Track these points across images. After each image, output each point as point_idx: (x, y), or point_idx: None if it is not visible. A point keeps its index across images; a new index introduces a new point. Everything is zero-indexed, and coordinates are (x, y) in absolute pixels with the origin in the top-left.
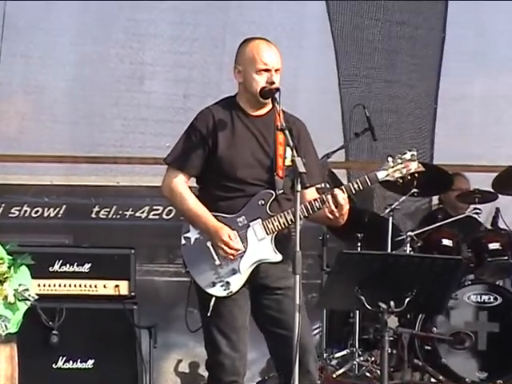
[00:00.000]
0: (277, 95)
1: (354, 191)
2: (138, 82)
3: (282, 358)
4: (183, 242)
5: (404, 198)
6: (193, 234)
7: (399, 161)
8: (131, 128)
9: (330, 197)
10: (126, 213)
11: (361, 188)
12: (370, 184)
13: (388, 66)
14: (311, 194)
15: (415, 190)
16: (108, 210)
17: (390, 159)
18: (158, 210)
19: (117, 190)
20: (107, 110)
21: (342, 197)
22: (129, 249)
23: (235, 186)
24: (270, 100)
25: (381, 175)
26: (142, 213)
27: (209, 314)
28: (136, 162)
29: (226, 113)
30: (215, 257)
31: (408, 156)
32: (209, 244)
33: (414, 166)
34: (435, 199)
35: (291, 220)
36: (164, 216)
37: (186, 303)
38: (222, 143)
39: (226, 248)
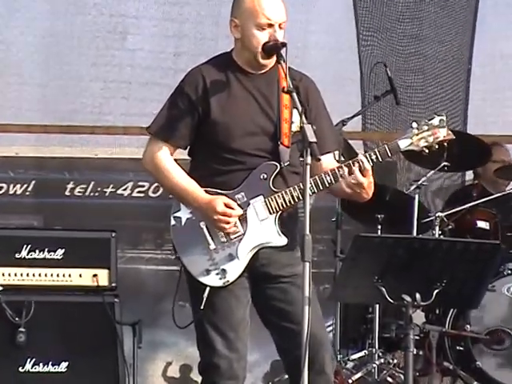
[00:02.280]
0: (283, 51)
1: (371, 163)
2: (120, 38)
3: (293, 357)
4: (173, 222)
5: (432, 172)
6: (184, 214)
7: (425, 127)
8: (112, 92)
9: (346, 168)
10: (105, 190)
11: (380, 159)
12: (390, 155)
13: (414, 19)
14: (328, 162)
15: (445, 163)
16: (84, 186)
17: (414, 125)
18: (143, 186)
19: (95, 164)
20: (84, 70)
21: (365, 167)
22: (109, 232)
23: (233, 157)
24: (273, 57)
25: (403, 144)
26: (125, 190)
27: (202, 308)
28: (118, 132)
29: (219, 72)
30: (210, 240)
31: (436, 121)
32: (202, 224)
33: (443, 134)
34: (469, 174)
35: (298, 197)
36: (150, 193)
37: (175, 295)
38: (215, 108)
39: (224, 219)
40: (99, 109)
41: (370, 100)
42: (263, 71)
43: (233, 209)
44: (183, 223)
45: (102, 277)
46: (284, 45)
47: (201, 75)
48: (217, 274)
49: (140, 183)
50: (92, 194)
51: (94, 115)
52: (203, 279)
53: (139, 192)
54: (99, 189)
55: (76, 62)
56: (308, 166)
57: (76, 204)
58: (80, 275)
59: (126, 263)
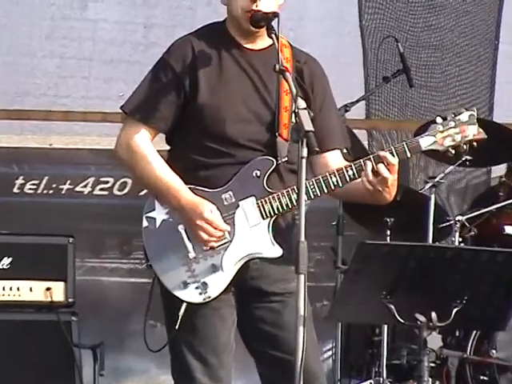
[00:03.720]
0: (274, 23)
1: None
2: (80, 6)
3: None
4: (145, 223)
5: (452, 168)
6: (159, 214)
7: (452, 123)
8: (70, 70)
9: (369, 162)
10: (61, 186)
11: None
12: (409, 155)
13: None
14: (336, 161)
15: (468, 157)
16: (37, 182)
17: (438, 120)
18: (106, 182)
19: (49, 155)
20: (37, 44)
21: (392, 162)
22: (66, 237)
23: (221, 148)
24: (264, 30)
25: (425, 143)
26: (85, 187)
27: (177, 327)
28: (76, 118)
29: (210, 44)
30: (189, 247)
31: (464, 117)
32: (181, 228)
33: (473, 132)
34: (496, 170)
35: (296, 200)
36: (115, 191)
37: (146, 312)
38: (204, 86)
39: (209, 229)
40: (54, 90)
41: (377, 82)
42: (262, 47)
43: (219, 219)
44: (158, 225)
45: (57, 291)
46: (275, 15)
47: (190, 46)
48: (196, 287)
49: (103, 179)
50: (45, 191)
51: (48, 98)
52: (179, 293)
53: (102, 189)
54: (54, 185)
55: (27, 34)
56: (304, 160)
57: (26, 203)
58: (30, 289)
59: (86, 274)
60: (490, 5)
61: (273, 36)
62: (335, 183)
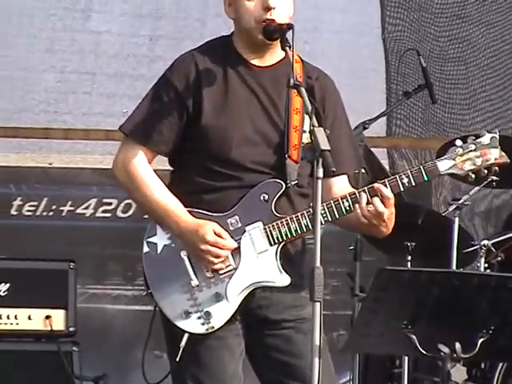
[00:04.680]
0: (289, 35)
1: (402, 188)
2: (82, 17)
3: None
4: (146, 249)
5: (477, 189)
6: (161, 239)
7: (472, 146)
8: (71, 85)
9: (364, 194)
10: (62, 208)
11: (413, 184)
12: (426, 179)
13: None
14: (341, 186)
15: (494, 177)
16: (36, 203)
17: (458, 143)
18: (109, 204)
19: (49, 175)
20: (36, 58)
21: (386, 195)
22: (66, 262)
23: (226, 171)
24: (277, 43)
25: (444, 166)
26: (87, 208)
27: (177, 359)
28: (78, 136)
29: (216, 60)
30: (192, 274)
31: (486, 140)
32: (183, 254)
33: (495, 156)
34: None
35: (307, 226)
36: (119, 213)
37: (146, 341)
38: (208, 107)
39: (215, 251)
40: (54, 106)
41: (398, 97)
42: (271, 63)
43: (224, 239)
44: (159, 251)
45: (57, 319)
46: (290, 27)
47: (193, 62)
48: (198, 317)
49: (106, 200)
50: (45, 213)
51: (47, 114)
52: (181, 323)
53: (105, 211)
54: (54, 207)
55: (26, 46)
56: (320, 182)
57: (25, 226)
58: (29, 317)
59: (88, 302)
60: None
61: (287, 49)
62: (347, 208)
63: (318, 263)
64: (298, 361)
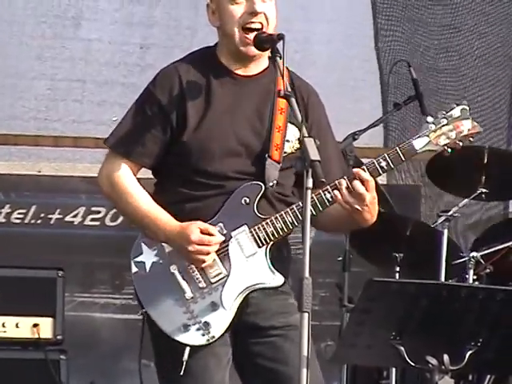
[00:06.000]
0: (279, 45)
1: (381, 172)
2: (72, 25)
3: None
4: (134, 269)
5: (466, 201)
6: (148, 257)
7: (444, 121)
8: (61, 93)
9: (343, 180)
10: (50, 216)
11: (391, 166)
12: (403, 159)
13: (446, 6)
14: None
15: (483, 189)
16: (24, 211)
17: (429, 119)
18: (98, 212)
19: (38, 183)
20: (26, 65)
21: (366, 178)
22: (54, 270)
23: (208, 181)
24: (265, 52)
25: (419, 144)
26: (75, 216)
27: (181, 374)
28: (67, 144)
29: (199, 72)
30: (185, 287)
31: (457, 112)
32: (173, 269)
33: (468, 126)
34: None
35: (292, 223)
36: (107, 222)
37: (140, 350)
38: (192, 120)
39: (202, 249)
40: (44, 114)
41: (388, 109)
42: (254, 73)
43: (211, 234)
44: (148, 269)
45: (45, 327)
46: (281, 37)
47: (177, 75)
48: (198, 329)
49: (94, 208)
50: (33, 221)
51: (37, 122)
52: (181, 337)
53: (93, 220)
54: (42, 215)
55: (16, 54)
56: (309, 192)
57: (12, 233)
58: (16, 325)
59: (76, 310)
60: (508, 25)
61: (277, 59)
62: (329, 200)
63: (307, 274)
64: (285, 368)
